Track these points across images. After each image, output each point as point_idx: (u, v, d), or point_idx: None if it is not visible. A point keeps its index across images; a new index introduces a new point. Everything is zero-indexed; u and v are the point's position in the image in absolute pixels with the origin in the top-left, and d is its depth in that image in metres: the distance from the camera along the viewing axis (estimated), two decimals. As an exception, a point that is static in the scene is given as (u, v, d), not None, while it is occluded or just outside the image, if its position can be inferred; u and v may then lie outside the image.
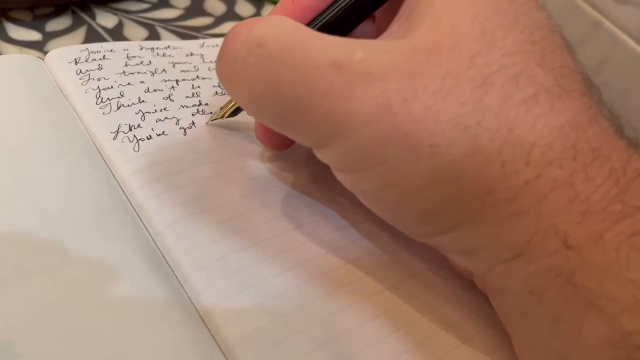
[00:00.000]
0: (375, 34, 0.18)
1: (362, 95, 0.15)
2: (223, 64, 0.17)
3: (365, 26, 0.20)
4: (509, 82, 0.15)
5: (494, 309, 0.18)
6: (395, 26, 0.17)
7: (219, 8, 0.37)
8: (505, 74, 0.15)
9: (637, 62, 0.36)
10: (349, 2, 0.18)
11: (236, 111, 0.23)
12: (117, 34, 0.32)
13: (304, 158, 0.23)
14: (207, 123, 0.24)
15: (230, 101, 0.23)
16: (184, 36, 0.33)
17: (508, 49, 0.15)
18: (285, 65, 0.16)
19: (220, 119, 0.23)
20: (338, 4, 0.18)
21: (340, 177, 0.17)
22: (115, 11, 0.34)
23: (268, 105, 0.16)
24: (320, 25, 0.18)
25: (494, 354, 0.18)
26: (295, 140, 0.18)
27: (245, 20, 0.17)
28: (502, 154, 0.15)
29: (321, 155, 0.17)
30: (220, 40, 0.30)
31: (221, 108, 0.23)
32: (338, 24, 0.18)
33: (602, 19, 0.39)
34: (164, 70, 0.26)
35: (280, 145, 0.22)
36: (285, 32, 0.16)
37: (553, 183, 0.15)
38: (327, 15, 0.18)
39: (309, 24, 0.18)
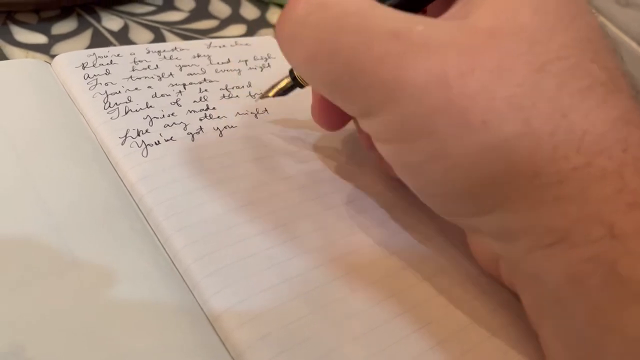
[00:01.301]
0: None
1: (418, 65, 0.15)
2: (283, 22, 0.17)
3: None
4: (566, 71, 0.15)
5: (521, 299, 0.18)
6: (454, 9, 0.17)
7: (224, 11, 0.37)
8: (562, 64, 0.15)
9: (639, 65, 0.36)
10: None
11: (286, 91, 0.23)
12: (122, 36, 0.32)
13: (318, 165, 0.24)
14: (256, 100, 0.25)
15: (281, 80, 0.23)
16: (189, 39, 0.33)
17: (566, 42, 0.16)
18: (344, 28, 0.16)
19: (269, 97, 0.24)
20: None
21: (383, 148, 0.18)
22: (120, 14, 0.34)
23: (322, 66, 0.17)
24: (388, 3, 0.18)
25: (516, 348, 0.19)
26: (344, 107, 0.18)
27: None
28: (554, 137, 0.15)
29: (367, 124, 0.17)
30: (226, 41, 0.31)
31: (272, 86, 0.24)
32: (405, 2, 0.18)
33: (605, 21, 0.39)
34: (171, 74, 0.26)
35: (334, 124, 0.22)
36: None
37: (602, 172, 0.15)
38: None
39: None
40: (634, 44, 0.37)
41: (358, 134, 0.23)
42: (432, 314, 0.19)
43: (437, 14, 0.18)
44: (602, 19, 0.39)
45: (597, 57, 0.16)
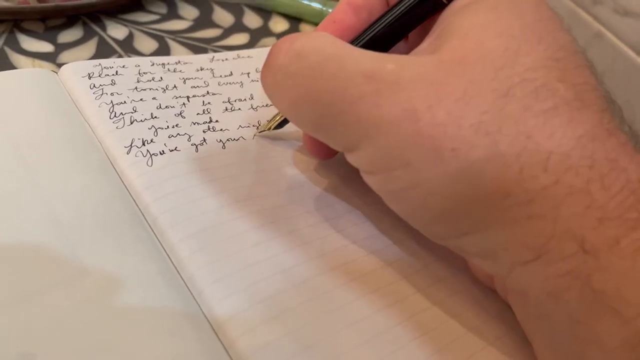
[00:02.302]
0: (408, 52, 0.19)
1: (390, 102, 0.16)
2: (266, 73, 0.19)
3: (399, 45, 0.21)
4: (530, 94, 0.16)
5: (515, 313, 0.18)
6: (425, 43, 0.18)
7: (227, 20, 0.38)
8: (526, 87, 0.16)
9: (638, 73, 0.36)
10: (385, 24, 0.20)
11: (282, 124, 0.25)
12: (127, 45, 0.32)
13: (314, 176, 0.24)
14: (254, 135, 0.25)
15: (277, 114, 0.25)
16: (193, 48, 0.34)
17: (531, 64, 0.16)
18: (321, 74, 0.17)
19: (267, 131, 0.25)
20: (376, 26, 0.20)
21: (368, 179, 0.19)
22: (125, 22, 0.34)
23: (305, 111, 0.18)
24: (360, 45, 0.20)
25: (514, 357, 0.19)
26: (329, 144, 0.19)
27: (289, 35, 0.19)
28: (520, 159, 0.15)
29: (352, 159, 0.19)
30: (229, 54, 0.31)
31: (268, 120, 0.25)
32: (375, 43, 0.20)
33: (604, 30, 0.39)
34: (175, 86, 0.27)
35: (325, 154, 0.24)
36: (324, 45, 0.18)
37: (570, 189, 0.15)
38: (365, 36, 0.20)
39: (350, 43, 0.20)
40: (632, 53, 0.37)
41: (305, 147, 0.24)
42: (429, 324, 0.19)
43: (417, 43, 0.19)
44: (600, 27, 0.39)
45: (564, 75, 0.16)
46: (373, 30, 0.20)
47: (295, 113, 0.19)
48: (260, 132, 0.25)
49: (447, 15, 0.18)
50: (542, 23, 0.17)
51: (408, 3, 0.19)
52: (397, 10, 0.19)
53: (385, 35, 0.20)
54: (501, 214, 0.16)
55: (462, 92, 0.16)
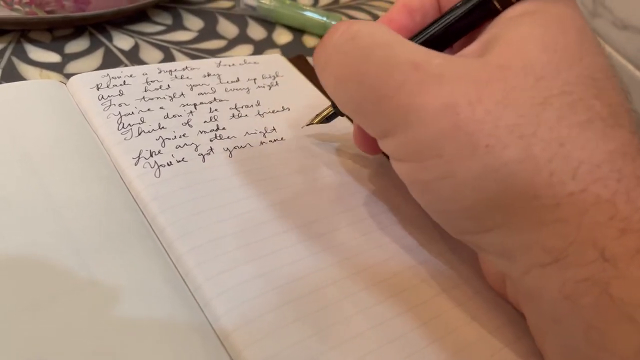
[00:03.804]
0: None
1: (432, 93, 0.17)
2: (320, 49, 0.20)
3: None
4: (567, 105, 0.17)
5: (526, 317, 0.19)
6: (472, 47, 0.19)
7: (232, 31, 0.38)
8: (564, 99, 0.17)
9: (636, 86, 0.37)
10: (441, 27, 0.21)
11: (329, 119, 0.26)
12: (133, 56, 0.33)
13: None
14: (302, 127, 0.27)
15: (324, 109, 0.26)
16: (197, 59, 0.34)
17: (570, 79, 0.17)
18: (371, 57, 0.18)
19: (314, 124, 0.26)
20: (431, 28, 0.21)
21: (397, 167, 0.19)
22: (131, 33, 0.35)
23: (350, 90, 0.19)
24: (417, 42, 0.21)
25: None
26: (366, 128, 0.20)
27: (347, 20, 0.19)
28: (551, 164, 0.16)
29: (385, 145, 0.19)
30: (235, 60, 0.32)
31: (316, 115, 0.26)
32: (429, 44, 0.20)
33: (603, 43, 0.40)
34: (182, 94, 0.27)
35: (372, 149, 0.24)
36: (378, 32, 0.19)
37: (596, 199, 0.16)
38: (422, 36, 0.21)
39: None
40: (630, 66, 0.38)
41: (354, 140, 0.25)
42: (442, 329, 0.20)
43: (465, 44, 0.20)
44: (599, 41, 0.40)
45: (600, 94, 0.17)
46: (429, 32, 0.21)
47: (340, 91, 0.20)
48: (307, 125, 0.26)
49: (496, 24, 0.19)
50: (585, 44, 0.18)
51: (465, 8, 0.20)
52: (454, 14, 0.20)
53: (439, 38, 0.21)
54: (526, 215, 0.16)
55: (502, 95, 0.17)
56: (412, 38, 0.21)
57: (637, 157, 0.17)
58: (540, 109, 0.16)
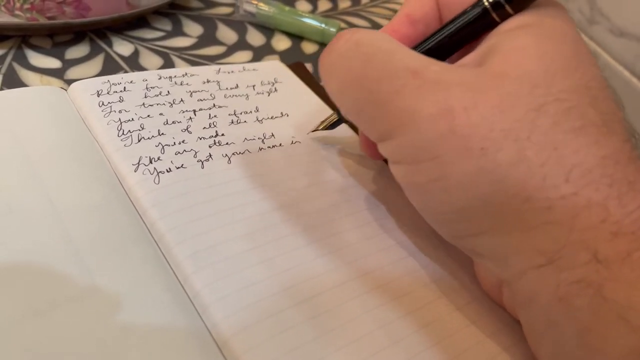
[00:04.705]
0: None
1: (428, 99, 0.18)
2: (325, 55, 0.21)
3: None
4: (561, 112, 0.17)
5: (521, 323, 0.19)
6: (469, 57, 0.20)
7: (231, 37, 0.38)
8: (559, 106, 0.17)
9: (632, 93, 0.37)
10: (442, 37, 0.21)
11: (333, 125, 0.26)
12: (133, 62, 0.33)
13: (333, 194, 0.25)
14: (307, 133, 0.27)
15: (329, 116, 0.27)
16: (197, 65, 0.34)
17: (566, 87, 0.18)
18: (372, 63, 0.19)
19: (319, 130, 0.27)
20: (430, 39, 0.22)
21: (394, 169, 0.20)
22: (130, 39, 0.35)
23: (352, 94, 0.20)
24: (419, 52, 0.21)
25: None
26: (366, 132, 0.21)
27: (351, 28, 0.20)
28: (544, 167, 0.16)
29: (384, 148, 0.20)
30: (234, 67, 0.32)
31: (321, 122, 0.27)
32: (431, 53, 0.21)
33: (599, 50, 0.40)
34: (181, 100, 0.27)
35: (378, 154, 0.25)
36: (380, 40, 0.20)
37: (588, 202, 0.16)
38: (424, 46, 0.22)
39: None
40: (626, 73, 0.38)
41: (361, 145, 0.25)
42: (441, 333, 0.20)
43: (464, 54, 0.20)
44: (595, 47, 0.40)
45: (594, 102, 0.18)
46: (430, 42, 0.21)
47: (343, 95, 0.20)
48: (312, 131, 0.27)
49: (494, 36, 0.19)
50: (580, 56, 0.18)
51: (465, 19, 0.21)
52: (454, 25, 0.21)
53: (439, 48, 0.21)
54: (519, 217, 0.17)
55: (498, 101, 0.17)
56: (414, 48, 0.22)
57: (629, 164, 0.17)
58: (535, 115, 0.17)
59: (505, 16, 0.20)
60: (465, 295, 0.22)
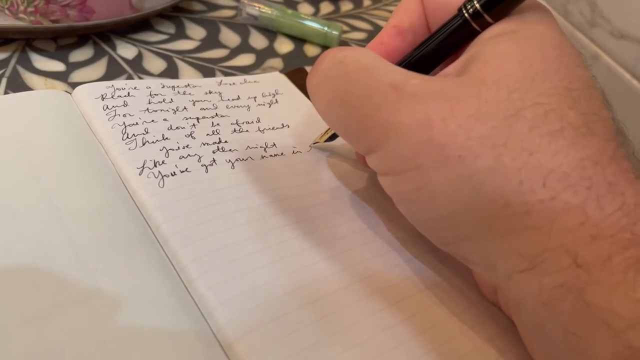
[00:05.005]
0: None
1: (408, 111, 0.18)
2: (311, 75, 0.21)
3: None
4: (539, 116, 0.17)
5: (516, 325, 0.19)
6: (451, 68, 0.20)
7: (234, 40, 0.38)
8: (537, 110, 0.17)
9: (632, 95, 0.37)
10: (422, 52, 0.22)
11: (333, 137, 0.27)
12: (137, 65, 0.33)
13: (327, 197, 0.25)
14: (310, 146, 0.28)
15: (328, 129, 0.27)
16: (200, 68, 0.35)
17: (545, 91, 0.18)
18: (355, 80, 0.19)
19: (320, 143, 0.27)
20: (414, 53, 0.22)
21: (382, 180, 0.20)
22: (134, 42, 0.35)
23: (337, 111, 0.20)
24: (403, 66, 0.22)
25: None
26: (353, 146, 0.22)
27: (337, 47, 0.20)
28: (521, 173, 0.17)
29: (371, 161, 0.20)
30: (236, 79, 0.32)
31: (321, 134, 0.27)
32: (416, 66, 0.22)
33: (600, 52, 0.40)
34: (185, 108, 0.28)
35: None
36: (363, 57, 0.20)
37: (566, 205, 0.16)
38: (408, 59, 0.22)
39: (396, 64, 0.21)
40: (627, 75, 0.38)
41: (358, 157, 0.26)
42: (439, 338, 0.20)
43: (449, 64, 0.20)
44: (596, 49, 0.40)
45: (575, 104, 0.18)
46: (414, 56, 0.22)
47: (329, 113, 0.21)
48: (314, 143, 0.28)
49: (475, 44, 0.20)
50: (563, 58, 0.19)
51: (446, 31, 0.21)
52: (435, 38, 0.21)
53: (422, 61, 0.22)
54: (500, 222, 0.17)
55: (475, 109, 0.17)
56: (400, 61, 0.22)
57: (610, 164, 0.17)
58: (513, 120, 0.17)
59: (485, 25, 0.20)
60: (461, 301, 0.22)
